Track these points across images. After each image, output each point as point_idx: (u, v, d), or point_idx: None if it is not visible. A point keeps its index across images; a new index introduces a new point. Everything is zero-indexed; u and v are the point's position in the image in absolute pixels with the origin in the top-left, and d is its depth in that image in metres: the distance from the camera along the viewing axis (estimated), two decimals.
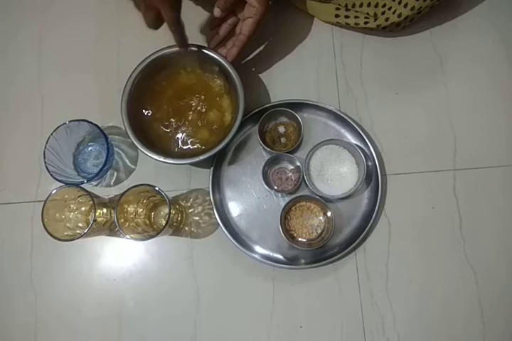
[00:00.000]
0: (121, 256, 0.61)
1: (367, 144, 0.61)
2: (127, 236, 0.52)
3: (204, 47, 0.58)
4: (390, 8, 0.61)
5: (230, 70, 0.57)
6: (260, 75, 0.66)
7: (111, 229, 0.60)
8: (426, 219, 0.61)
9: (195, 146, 0.60)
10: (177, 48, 0.57)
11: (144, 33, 0.56)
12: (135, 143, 0.56)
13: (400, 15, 0.60)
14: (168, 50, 0.58)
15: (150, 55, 0.58)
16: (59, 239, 0.52)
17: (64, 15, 0.70)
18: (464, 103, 0.64)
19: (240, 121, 0.56)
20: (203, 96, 0.61)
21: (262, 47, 0.67)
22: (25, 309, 0.61)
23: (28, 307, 0.61)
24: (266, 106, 0.62)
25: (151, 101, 0.60)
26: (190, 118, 0.61)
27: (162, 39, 0.56)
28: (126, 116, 0.57)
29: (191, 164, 0.63)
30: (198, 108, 0.61)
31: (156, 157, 0.56)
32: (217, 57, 0.58)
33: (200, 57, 0.59)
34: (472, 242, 0.59)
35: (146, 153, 0.56)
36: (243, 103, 0.57)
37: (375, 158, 0.60)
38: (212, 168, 0.61)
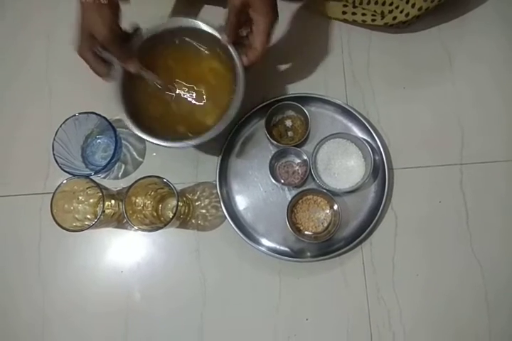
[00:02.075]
0: (129, 248, 0.62)
1: (374, 138, 0.61)
2: (135, 228, 0.53)
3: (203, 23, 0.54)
4: (397, 7, 0.61)
5: (233, 53, 0.53)
6: (268, 69, 0.66)
7: (119, 221, 0.60)
8: (432, 213, 0.61)
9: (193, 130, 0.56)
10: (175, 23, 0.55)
11: None
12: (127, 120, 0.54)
13: (407, 15, 0.61)
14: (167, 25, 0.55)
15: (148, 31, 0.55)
16: (67, 230, 0.52)
17: (73, 9, 0.71)
18: (471, 98, 0.64)
19: (239, 102, 0.53)
20: (204, 75, 0.58)
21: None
22: (33, 300, 0.61)
23: (36, 299, 0.61)
24: (273, 100, 0.62)
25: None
26: (189, 96, 0.58)
27: None
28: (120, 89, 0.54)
29: (187, 147, 0.55)
30: (195, 87, 0.58)
31: (154, 140, 0.53)
32: (216, 35, 0.54)
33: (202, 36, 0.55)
34: (478, 236, 0.60)
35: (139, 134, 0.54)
36: (243, 84, 0.53)
37: (382, 152, 0.60)
38: (219, 161, 0.61)
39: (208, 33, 0.54)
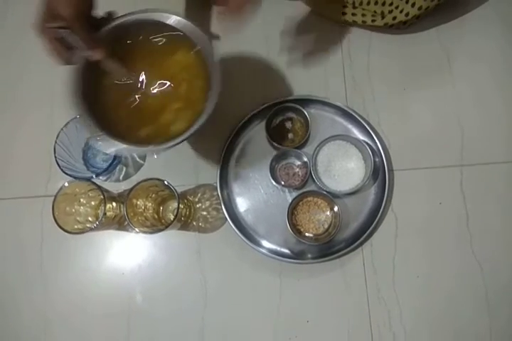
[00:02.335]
0: (130, 250, 0.62)
1: (374, 140, 0.61)
2: (136, 230, 0.53)
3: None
4: (397, 7, 0.61)
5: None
6: (268, 72, 0.66)
7: (120, 223, 0.60)
8: (433, 214, 0.61)
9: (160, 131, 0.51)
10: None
11: None
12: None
13: (407, 14, 0.61)
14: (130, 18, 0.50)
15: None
16: (69, 232, 0.53)
17: None
18: (471, 99, 0.64)
19: (213, 104, 0.47)
20: (174, 72, 0.53)
21: (269, 45, 0.67)
22: (34, 302, 0.62)
23: (38, 300, 0.61)
24: (273, 102, 0.62)
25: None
26: (155, 93, 0.52)
27: None
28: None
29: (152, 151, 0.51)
30: (167, 83, 0.52)
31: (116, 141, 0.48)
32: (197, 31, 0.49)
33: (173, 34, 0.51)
34: (478, 237, 0.60)
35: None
36: (219, 83, 0.48)
37: (382, 153, 0.60)
38: (220, 163, 0.62)
39: (183, 27, 0.50)
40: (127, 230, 0.62)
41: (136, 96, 0.52)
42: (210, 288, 0.60)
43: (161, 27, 0.51)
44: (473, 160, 0.62)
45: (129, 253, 0.62)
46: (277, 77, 0.66)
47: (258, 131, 0.63)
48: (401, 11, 0.61)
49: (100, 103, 0.52)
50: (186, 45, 0.51)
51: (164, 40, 0.52)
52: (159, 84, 0.52)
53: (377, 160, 0.61)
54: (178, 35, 0.50)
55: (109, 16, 0.50)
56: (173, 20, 0.50)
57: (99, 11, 0.49)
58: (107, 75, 0.51)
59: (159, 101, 0.52)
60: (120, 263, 0.62)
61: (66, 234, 0.53)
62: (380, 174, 0.61)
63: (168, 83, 0.52)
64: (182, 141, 0.47)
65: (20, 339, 0.61)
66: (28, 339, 0.61)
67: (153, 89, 0.52)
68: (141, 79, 0.53)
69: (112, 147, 0.49)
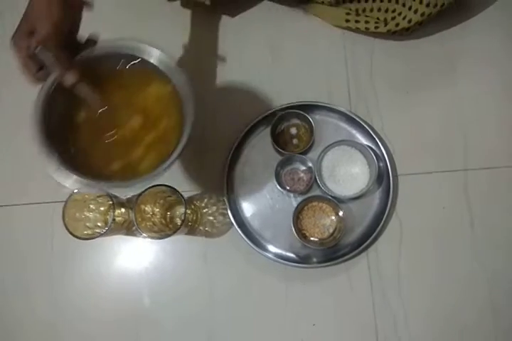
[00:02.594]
0: (138, 255, 0.63)
1: (378, 145, 0.62)
2: (144, 235, 0.54)
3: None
4: (399, 14, 0.62)
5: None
6: (272, 77, 0.67)
7: (128, 229, 0.61)
8: (437, 219, 0.61)
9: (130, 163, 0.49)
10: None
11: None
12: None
13: (410, 21, 0.61)
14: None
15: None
16: (79, 238, 0.54)
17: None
18: (475, 103, 0.65)
19: (186, 139, 0.45)
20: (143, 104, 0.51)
21: (273, 51, 0.68)
22: (43, 307, 0.63)
23: (46, 305, 0.63)
24: (278, 108, 0.63)
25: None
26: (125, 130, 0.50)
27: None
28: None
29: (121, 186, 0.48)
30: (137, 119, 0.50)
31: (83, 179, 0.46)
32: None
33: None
34: (483, 242, 0.60)
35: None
36: (191, 119, 0.46)
37: (387, 158, 0.61)
38: (226, 169, 0.63)
39: (159, 59, 0.48)
40: (135, 235, 0.63)
41: (107, 128, 0.50)
42: (216, 292, 0.61)
43: (137, 58, 0.49)
44: (477, 165, 0.62)
45: (137, 258, 0.63)
46: (281, 83, 0.67)
47: (263, 137, 0.64)
48: (404, 18, 0.62)
49: (69, 135, 0.50)
50: (161, 77, 0.49)
51: (139, 71, 0.50)
52: (131, 116, 0.50)
53: (381, 165, 0.61)
54: (153, 67, 0.49)
55: (90, 41, 0.48)
56: (149, 52, 0.48)
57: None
58: (77, 105, 0.49)
59: (131, 134, 0.50)
60: (128, 268, 0.63)
61: (76, 239, 0.54)
62: (384, 179, 0.61)
63: (142, 116, 0.50)
64: (152, 177, 0.45)
65: (30, 335, 0.62)
66: (37, 337, 0.62)
67: (125, 122, 0.50)
68: (113, 111, 0.50)
69: (69, 179, 0.46)
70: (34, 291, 0.63)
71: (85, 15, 0.47)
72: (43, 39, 0.42)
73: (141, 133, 0.50)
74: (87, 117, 0.50)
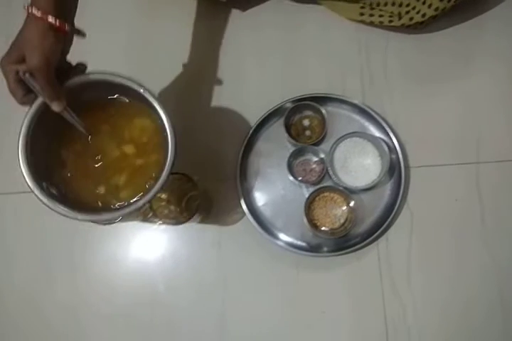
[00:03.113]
0: (154, 242, 0.65)
1: (390, 137, 0.62)
2: (160, 222, 0.56)
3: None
4: (414, 8, 0.62)
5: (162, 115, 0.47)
6: (285, 69, 0.68)
7: (144, 215, 0.63)
8: (448, 211, 0.62)
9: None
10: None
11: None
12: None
13: (424, 15, 0.62)
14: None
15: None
16: (98, 223, 0.56)
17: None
18: (488, 97, 0.65)
19: (168, 170, 0.46)
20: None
21: (288, 43, 0.69)
22: (64, 291, 0.65)
23: (67, 290, 0.65)
24: (291, 99, 0.64)
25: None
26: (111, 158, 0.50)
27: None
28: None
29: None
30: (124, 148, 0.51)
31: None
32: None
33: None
34: (494, 234, 0.60)
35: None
36: (173, 156, 0.46)
37: (399, 150, 0.62)
38: (239, 159, 0.64)
39: (142, 93, 0.48)
40: (151, 221, 0.64)
41: (92, 153, 0.51)
42: (229, 279, 0.62)
43: (125, 90, 0.49)
44: (489, 158, 0.63)
45: (152, 244, 0.65)
46: (295, 75, 0.68)
47: (276, 128, 0.65)
48: (418, 12, 0.62)
49: (55, 159, 0.50)
50: (145, 111, 0.50)
51: (125, 102, 0.51)
52: (115, 145, 0.51)
53: (393, 156, 0.62)
54: (138, 100, 0.49)
55: (80, 66, 0.48)
56: (135, 86, 0.48)
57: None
58: (63, 128, 0.50)
59: (114, 162, 0.51)
60: (144, 254, 0.65)
61: (92, 224, 0.55)
62: (396, 170, 0.62)
63: (125, 146, 0.51)
64: (130, 211, 0.45)
65: (50, 327, 0.64)
66: (58, 327, 0.64)
67: (109, 150, 0.51)
68: (98, 138, 0.51)
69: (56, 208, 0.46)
70: (56, 276, 0.65)
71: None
72: (31, 69, 0.42)
73: (123, 162, 0.51)
74: (73, 141, 0.51)
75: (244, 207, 0.63)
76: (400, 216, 0.62)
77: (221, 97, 0.68)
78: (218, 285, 0.62)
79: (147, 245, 0.65)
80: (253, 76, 0.68)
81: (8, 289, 0.66)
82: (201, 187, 0.58)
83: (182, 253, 0.64)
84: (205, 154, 0.67)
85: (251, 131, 0.65)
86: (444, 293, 0.60)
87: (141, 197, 0.47)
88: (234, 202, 0.65)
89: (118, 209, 0.47)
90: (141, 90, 0.47)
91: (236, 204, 0.65)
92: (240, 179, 0.64)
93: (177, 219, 0.59)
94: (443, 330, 0.59)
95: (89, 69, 0.48)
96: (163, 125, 0.47)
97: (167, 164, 0.46)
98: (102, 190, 0.50)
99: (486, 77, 0.66)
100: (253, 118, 0.65)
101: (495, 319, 0.58)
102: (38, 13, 0.41)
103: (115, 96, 0.51)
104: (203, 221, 0.64)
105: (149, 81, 0.64)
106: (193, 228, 0.64)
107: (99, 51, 0.63)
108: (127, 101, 0.52)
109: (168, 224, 0.56)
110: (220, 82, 0.68)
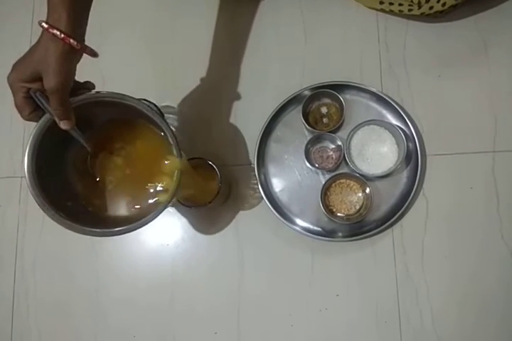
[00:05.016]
0: (175, 224, 0.67)
1: (408, 125, 0.63)
2: (182, 204, 0.58)
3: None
4: None
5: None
6: (305, 57, 0.69)
7: None
8: (464, 199, 0.62)
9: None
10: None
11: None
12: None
13: (444, 4, 0.61)
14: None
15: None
16: None
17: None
18: (506, 86, 0.65)
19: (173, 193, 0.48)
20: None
21: (306, 31, 0.70)
22: (88, 270, 0.67)
23: (89, 274, 0.67)
24: (309, 87, 0.65)
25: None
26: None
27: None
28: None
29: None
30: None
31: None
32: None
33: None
34: (508, 222, 0.61)
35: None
36: (178, 179, 0.48)
37: (416, 138, 0.62)
38: (257, 145, 0.65)
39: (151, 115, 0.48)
40: (173, 205, 0.66)
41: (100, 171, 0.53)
42: (246, 262, 0.64)
43: (133, 110, 0.49)
44: (505, 147, 0.63)
45: (173, 226, 0.67)
46: (314, 62, 0.68)
47: (294, 115, 0.66)
48: (438, 1, 0.62)
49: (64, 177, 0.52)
50: (152, 129, 0.52)
51: (134, 122, 0.52)
52: (122, 164, 0.53)
53: (410, 144, 0.62)
54: (147, 121, 0.50)
55: (88, 83, 0.48)
56: (144, 106, 0.48)
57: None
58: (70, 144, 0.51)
59: (120, 181, 0.52)
60: (165, 236, 0.67)
61: None
62: (412, 158, 0.63)
63: (131, 165, 0.53)
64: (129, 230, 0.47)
65: (71, 310, 0.67)
66: (79, 310, 0.67)
67: (112, 168, 0.53)
68: (104, 156, 0.53)
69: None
70: (76, 260, 0.68)
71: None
72: (47, 91, 0.41)
73: (128, 183, 0.52)
74: (80, 158, 0.53)
75: (261, 192, 0.64)
76: (415, 203, 0.63)
77: (241, 84, 0.69)
78: (235, 267, 0.64)
79: (169, 227, 0.67)
80: (273, 63, 0.69)
81: (29, 269, 0.68)
82: (220, 172, 0.59)
83: (201, 236, 0.66)
84: (224, 139, 0.68)
85: (269, 118, 0.66)
86: (458, 279, 0.61)
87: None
88: (251, 188, 0.66)
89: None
90: (147, 111, 0.47)
91: (254, 190, 0.66)
92: (257, 165, 0.65)
93: (197, 203, 0.60)
94: (456, 315, 0.60)
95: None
96: (170, 144, 0.48)
97: (170, 192, 0.48)
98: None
99: (504, 66, 0.65)
100: (272, 105, 0.66)
101: (506, 304, 0.59)
102: (59, 35, 0.40)
103: (122, 115, 0.51)
104: (221, 205, 0.66)
105: (169, 69, 0.65)
106: (212, 212, 0.66)
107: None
108: (135, 120, 0.52)
109: (189, 206, 0.58)
110: (240, 69, 0.69)
